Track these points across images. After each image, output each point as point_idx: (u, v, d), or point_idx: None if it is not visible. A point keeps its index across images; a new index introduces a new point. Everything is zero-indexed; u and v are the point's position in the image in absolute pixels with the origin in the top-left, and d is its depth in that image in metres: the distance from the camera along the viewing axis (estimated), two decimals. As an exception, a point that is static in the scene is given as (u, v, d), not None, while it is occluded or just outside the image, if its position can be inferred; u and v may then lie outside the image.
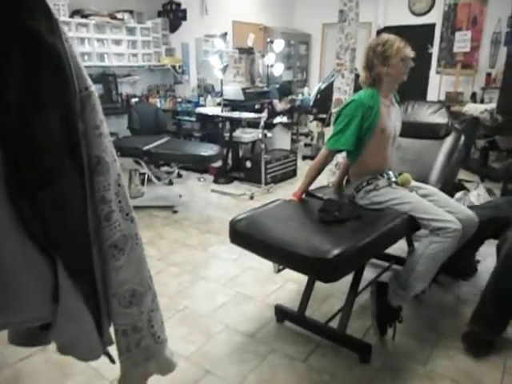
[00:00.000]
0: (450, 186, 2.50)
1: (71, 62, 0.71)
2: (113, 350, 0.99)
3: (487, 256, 2.62)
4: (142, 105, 5.13)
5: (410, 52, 2.07)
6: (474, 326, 2.06)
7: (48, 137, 0.65)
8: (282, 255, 1.71)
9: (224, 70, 4.84)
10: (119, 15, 4.87)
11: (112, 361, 0.94)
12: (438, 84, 6.44)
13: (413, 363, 1.96)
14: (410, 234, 2.04)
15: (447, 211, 1.98)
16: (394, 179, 2.13)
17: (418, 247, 1.96)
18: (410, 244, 2.54)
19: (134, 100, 5.19)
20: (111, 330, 0.93)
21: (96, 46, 4.78)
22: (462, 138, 2.63)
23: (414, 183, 2.18)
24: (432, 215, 1.93)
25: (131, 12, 5.08)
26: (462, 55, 6.17)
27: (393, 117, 2.17)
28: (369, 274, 2.38)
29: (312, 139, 6.81)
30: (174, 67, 5.59)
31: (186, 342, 2.08)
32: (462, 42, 6.11)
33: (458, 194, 3.29)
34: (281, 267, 2.15)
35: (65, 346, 0.85)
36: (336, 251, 1.56)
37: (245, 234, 1.84)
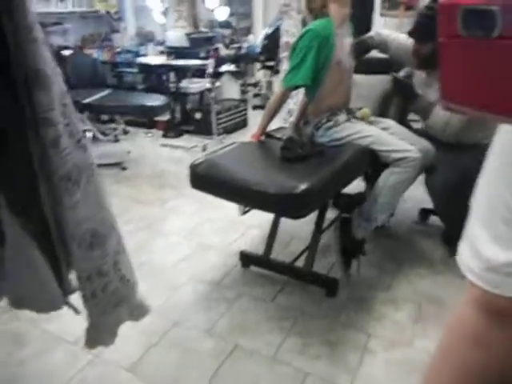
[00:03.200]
0: (406, 119, 2.51)
1: None
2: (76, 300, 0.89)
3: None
4: (77, 57, 4.69)
5: None
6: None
7: None
8: (247, 195, 1.65)
9: (165, 13, 4.50)
10: (40, -47, 4.33)
11: (75, 310, 0.85)
12: (383, 26, 6.42)
13: (376, 291, 2.03)
14: (371, 168, 2.04)
15: (407, 143, 1.99)
16: (353, 114, 2.10)
17: (380, 179, 1.97)
18: (369, 180, 2.57)
19: (66, 52, 4.73)
20: (73, 276, 0.82)
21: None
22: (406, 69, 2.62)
23: (372, 118, 2.17)
24: (392, 147, 1.93)
25: (53, -51, 4.53)
26: (404, -4, 6.14)
27: (347, 49, 2.10)
28: (329, 215, 2.40)
29: (260, 89, 6.66)
30: (108, 13, 5.13)
31: (151, 296, 1.96)
32: (404, -18, 6.06)
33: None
34: (246, 209, 2.10)
35: (18, 297, 0.75)
36: (303, 186, 1.52)
37: (206, 177, 1.75)
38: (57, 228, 0.73)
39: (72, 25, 4.92)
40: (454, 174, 2.07)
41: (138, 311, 0.89)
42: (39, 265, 0.69)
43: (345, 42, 2.07)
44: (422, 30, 2.02)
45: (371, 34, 2.35)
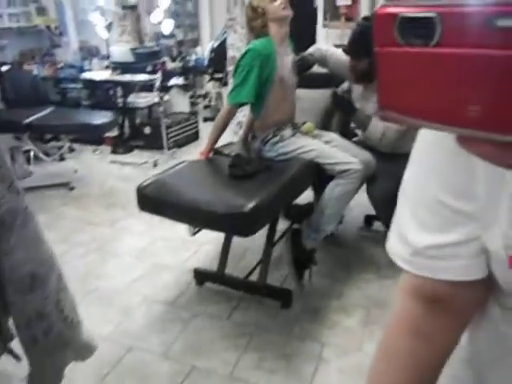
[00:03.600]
0: (348, 130, 2.62)
1: None
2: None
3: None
4: (15, 72, 4.49)
5: None
6: None
7: None
8: (196, 216, 1.66)
9: (108, 28, 4.42)
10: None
11: (16, 357, 0.83)
12: (325, 37, 6.66)
13: (329, 300, 2.10)
14: (317, 180, 2.11)
15: (349, 155, 2.08)
16: (298, 129, 2.17)
17: (326, 191, 2.04)
18: (316, 191, 2.65)
19: (3, 68, 4.52)
20: (10, 322, 0.80)
21: None
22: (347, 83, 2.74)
23: (316, 131, 2.25)
24: (335, 159, 2.01)
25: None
26: (344, 8, 6.42)
27: (289, 66, 2.17)
28: (280, 226, 2.45)
29: (210, 100, 6.67)
30: (48, 28, 4.96)
31: (103, 322, 1.96)
32: (343, -5, 6.34)
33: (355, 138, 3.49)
34: (196, 229, 2.10)
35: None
36: (251, 204, 1.55)
37: (155, 199, 1.74)
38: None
39: (9, 40, 4.71)
40: (392, 183, 2.17)
41: (85, 350, 0.88)
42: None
43: (286, 59, 2.14)
44: (356, 47, 2.12)
45: (311, 50, 2.44)
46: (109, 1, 5.41)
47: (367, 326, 1.90)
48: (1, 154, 0.70)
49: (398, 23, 0.31)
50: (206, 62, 6.06)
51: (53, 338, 0.77)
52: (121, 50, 4.70)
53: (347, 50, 2.19)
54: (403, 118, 0.32)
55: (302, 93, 2.54)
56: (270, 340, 1.83)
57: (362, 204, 2.74)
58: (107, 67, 4.64)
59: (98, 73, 4.72)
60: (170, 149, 4.43)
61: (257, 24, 2.05)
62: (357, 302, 2.06)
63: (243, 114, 3.91)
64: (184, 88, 5.56)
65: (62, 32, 5.10)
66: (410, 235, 0.46)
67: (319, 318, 1.96)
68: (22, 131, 3.26)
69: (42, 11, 5.00)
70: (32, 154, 3.74)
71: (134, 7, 5.10)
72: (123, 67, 4.66)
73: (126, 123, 4.68)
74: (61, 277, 0.84)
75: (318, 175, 2.09)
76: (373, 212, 2.56)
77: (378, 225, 2.75)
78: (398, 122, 0.31)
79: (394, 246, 0.50)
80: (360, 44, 2.09)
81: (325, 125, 2.52)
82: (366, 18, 2.16)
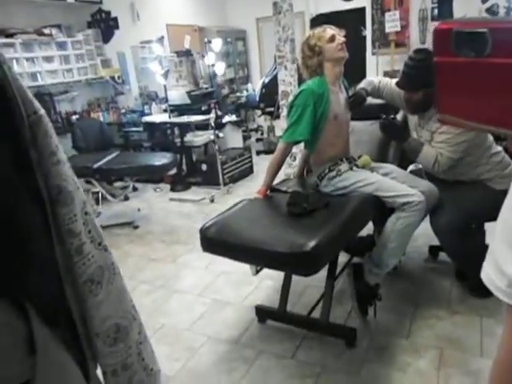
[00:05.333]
0: (406, 161, 2.56)
1: (13, 85, 0.63)
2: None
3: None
4: (84, 121, 4.90)
5: (332, 30, 2.10)
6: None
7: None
8: (258, 256, 1.69)
9: (166, 75, 4.72)
10: (46, 31, 4.61)
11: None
12: (376, 64, 6.65)
13: (396, 338, 2.01)
14: (377, 214, 2.07)
15: (409, 186, 2.03)
16: (354, 163, 2.16)
17: (387, 225, 2.00)
18: (377, 224, 2.59)
19: (74, 117, 4.95)
20: (98, 371, 0.86)
21: (26, 65, 4.50)
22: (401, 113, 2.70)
23: (373, 164, 2.23)
24: (396, 192, 1.98)
25: (59, 26, 4.82)
26: (394, 34, 6.40)
27: (343, 103, 2.20)
28: (340, 259, 2.41)
29: (262, 133, 6.83)
30: (112, 78, 5.39)
31: (170, 361, 2.01)
32: (392, 21, 6.35)
33: (411, 167, 3.39)
34: (258, 268, 2.12)
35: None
36: (313, 243, 1.55)
37: (217, 241, 1.79)
38: (83, 328, 0.77)
39: (79, 92, 5.16)
40: (457, 213, 2.09)
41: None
42: (69, 367, 0.73)
43: (340, 97, 2.17)
44: (411, 80, 2.10)
45: (362, 84, 2.45)
46: (165, 48, 5.81)
47: (442, 368, 1.79)
48: (91, 218, 0.78)
49: (454, 37, 0.36)
50: (257, 98, 6.25)
51: (135, 386, 0.81)
52: (178, 94, 4.98)
53: (400, 83, 2.17)
54: (459, 121, 0.36)
55: (356, 125, 2.55)
56: (337, 381, 1.78)
57: (425, 233, 2.64)
58: (165, 110, 4.93)
59: (157, 116, 5.02)
60: (225, 184, 4.55)
61: (312, 62, 2.10)
62: (427, 342, 1.95)
63: (297, 147, 3.97)
64: (237, 124, 5.75)
65: (124, 80, 5.51)
66: (507, 267, 0.47)
67: (387, 359, 1.88)
68: (92, 175, 3.52)
69: (106, 63, 5.45)
70: (100, 195, 4.00)
71: (188, 52, 5.41)
72: (180, 109, 4.93)
73: (184, 161, 4.90)
74: (141, 327, 0.89)
75: (379, 209, 2.05)
76: (437, 242, 2.46)
77: (443, 255, 2.62)
78: (455, 124, 0.36)
79: (490, 276, 0.50)
80: (414, 77, 2.07)
81: (381, 156, 2.49)
82: (417, 51, 2.14)
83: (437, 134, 2.13)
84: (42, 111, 0.71)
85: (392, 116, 2.26)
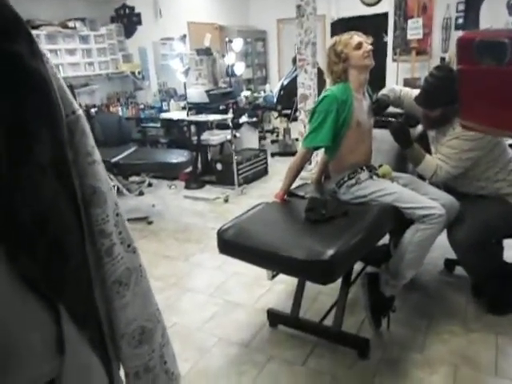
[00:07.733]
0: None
1: (55, 84, 0.63)
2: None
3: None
4: (103, 115, 4.94)
5: (359, 37, 2.08)
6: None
7: (39, 173, 0.58)
8: (274, 261, 1.67)
9: (186, 72, 4.73)
10: (71, 24, 4.67)
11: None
12: (396, 71, 6.59)
13: (410, 352, 1.98)
14: (396, 225, 2.04)
15: (429, 198, 2.00)
16: (374, 171, 2.14)
17: (405, 236, 1.97)
18: (394, 235, 2.56)
19: (93, 110, 5.00)
20: (121, 373, 0.86)
21: (49, 57, 4.55)
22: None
23: (393, 173, 2.20)
24: (416, 203, 1.95)
25: (83, 20, 4.89)
26: (415, 42, 6.34)
27: (366, 110, 2.18)
28: (355, 267, 2.39)
29: (278, 135, 6.82)
30: (133, 73, 5.43)
31: (180, 360, 1.96)
32: (414, 29, 6.28)
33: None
34: (274, 273, 2.11)
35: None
36: (331, 251, 1.54)
37: (234, 243, 1.79)
38: (109, 329, 0.77)
39: (99, 85, 5.21)
40: (476, 228, 2.05)
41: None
42: (94, 367, 0.73)
43: (363, 104, 2.15)
44: (430, 97, 2.07)
45: (385, 91, 2.42)
46: (186, 46, 5.83)
47: (455, 385, 1.76)
48: (122, 220, 0.77)
49: (476, 46, 0.38)
50: (275, 99, 6.24)
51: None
52: (197, 92, 4.99)
53: (418, 100, 2.14)
54: (480, 127, 0.38)
55: (378, 133, 2.52)
56: (347, 392, 1.76)
57: (442, 245, 2.60)
58: (183, 108, 4.95)
59: (175, 113, 5.04)
60: (240, 185, 4.55)
61: (338, 68, 2.08)
62: (442, 357, 1.92)
63: (315, 153, 3.95)
64: (253, 125, 5.75)
65: (144, 76, 5.55)
66: None
67: (400, 372, 1.85)
68: (110, 169, 3.54)
69: (127, 58, 5.50)
70: (116, 189, 4.03)
71: (207, 51, 5.43)
72: (198, 107, 4.94)
73: (199, 159, 4.91)
74: (164, 330, 0.89)
75: (397, 219, 2.02)
76: (453, 255, 2.42)
77: (459, 269, 2.58)
78: (476, 130, 0.39)
79: None
80: (432, 95, 2.04)
81: (401, 166, 2.46)
82: (438, 68, 2.10)
83: (444, 147, 2.11)
84: (80, 111, 0.71)
85: (419, 130, 2.24)
